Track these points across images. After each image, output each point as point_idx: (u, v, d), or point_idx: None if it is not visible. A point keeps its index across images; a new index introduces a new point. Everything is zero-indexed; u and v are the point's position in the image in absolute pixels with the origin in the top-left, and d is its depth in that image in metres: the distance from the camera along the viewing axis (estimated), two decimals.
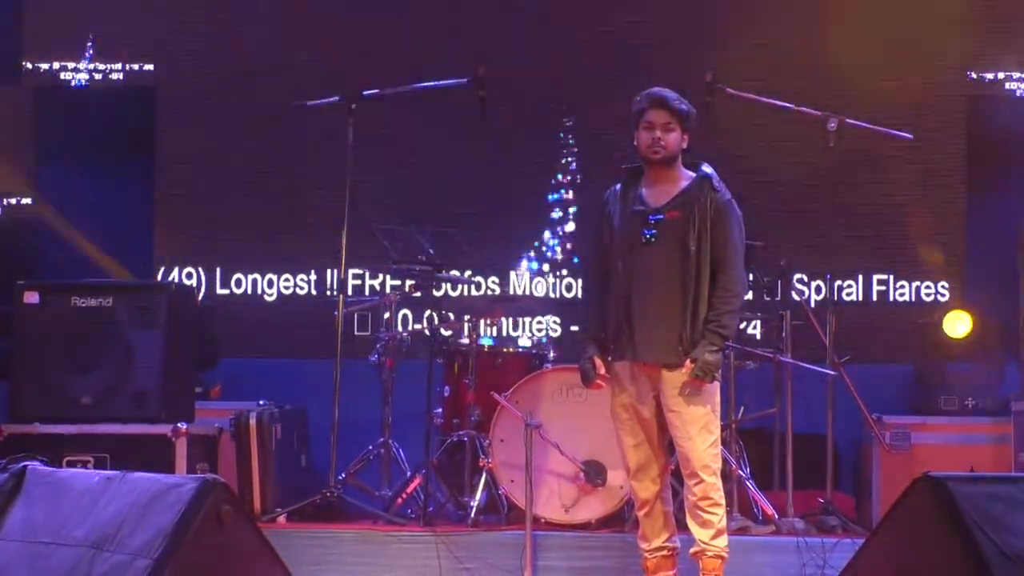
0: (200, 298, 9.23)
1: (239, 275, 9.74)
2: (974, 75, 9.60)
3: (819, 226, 8.57)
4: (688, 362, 6.24)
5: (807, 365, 7.85)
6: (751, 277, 7.45)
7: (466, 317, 8.14)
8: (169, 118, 9.85)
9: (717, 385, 6.39)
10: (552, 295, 9.59)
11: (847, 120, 7.78)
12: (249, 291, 9.75)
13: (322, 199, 9.26)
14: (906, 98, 9.18)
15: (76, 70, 9.80)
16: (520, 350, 8.19)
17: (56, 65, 9.79)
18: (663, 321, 6.06)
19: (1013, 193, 8.02)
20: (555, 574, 7.02)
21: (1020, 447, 7.26)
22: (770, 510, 7.54)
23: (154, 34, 9.88)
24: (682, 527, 6.57)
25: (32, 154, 9.78)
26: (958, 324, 8.69)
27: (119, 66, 9.84)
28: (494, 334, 8.48)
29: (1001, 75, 9.60)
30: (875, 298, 9.22)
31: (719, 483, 6.43)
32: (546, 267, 9.50)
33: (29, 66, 9.78)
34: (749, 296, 7.85)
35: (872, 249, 9.31)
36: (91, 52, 9.76)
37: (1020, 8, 9.59)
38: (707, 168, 6.46)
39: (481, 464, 7.50)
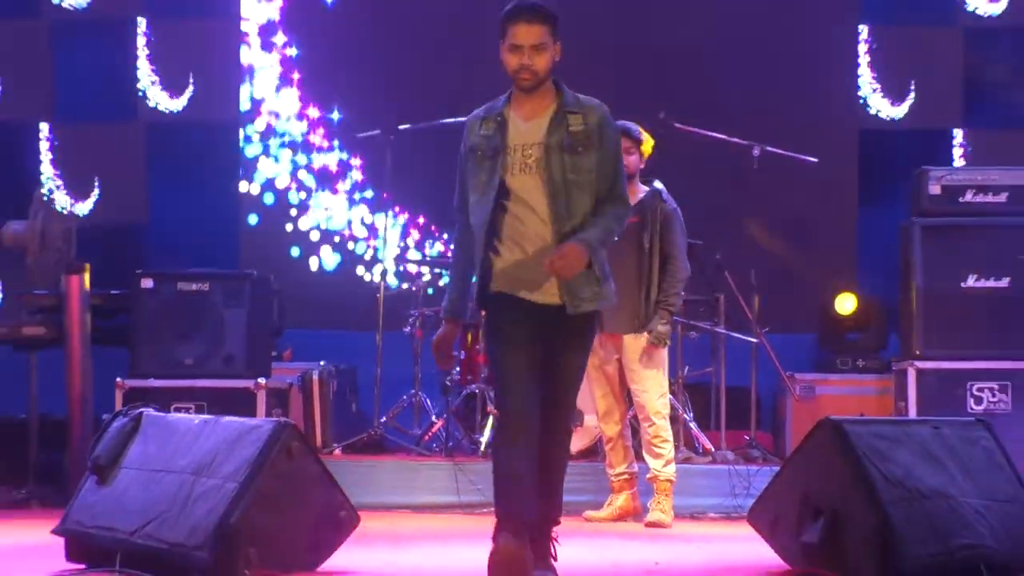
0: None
1: (306, 268, 9.73)
2: (861, 118, 9.60)
3: (745, 229, 8.59)
4: (646, 333, 6.29)
5: (736, 335, 7.87)
6: (692, 267, 7.46)
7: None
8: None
9: (665, 351, 6.44)
10: None
11: (767, 147, 7.79)
12: (315, 279, 9.73)
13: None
14: (812, 129, 9.14)
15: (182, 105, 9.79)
16: None
17: (165, 103, 9.75)
18: (624, 301, 6.04)
19: (897, 203, 8.00)
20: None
21: (899, 397, 7.27)
22: (708, 445, 7.56)
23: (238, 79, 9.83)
24: (640, 458, 6.61)
25: (145, 176, 9.75)
26: (846, 303, 8.76)
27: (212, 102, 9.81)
28: None
29: (888, 113, 9.60)
30: (789, 284, 9.18)
31: (668, 425, 6.48)
32: None
33: (144, 102, 9.74)
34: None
35: (787, 246, 9.30)
36: (193, 91, 9.75)
37: (901, 52, 9.59)
38: (658, 184, 6.51)
39: (489, 410, 7.51)
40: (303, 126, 9.81)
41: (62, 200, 9.56)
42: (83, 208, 9.62)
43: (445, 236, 9.20)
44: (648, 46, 9.40)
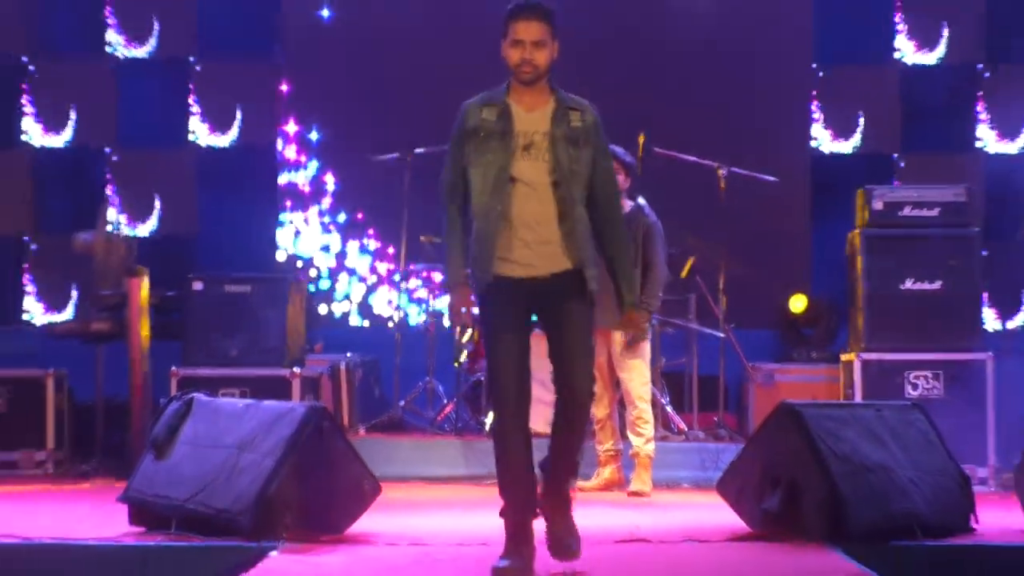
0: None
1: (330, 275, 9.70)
2: (813, 144, 9.61)
3: (713, 239, 8.57)
4: None
5: (707, 330, 7.88)
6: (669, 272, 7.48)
7: None
8: (283, 168, 9.75)
9: (648, 343, 6.44)
10: None
11: (733, 168, 7.81)
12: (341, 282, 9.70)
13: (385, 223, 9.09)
14: (773, 154, 9.13)
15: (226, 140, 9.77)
16: None
17: (207, 138, 9.73)
18: (612, 301, 6.03)
19: (845, 218, 8.00)
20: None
21: (846, 384, 7.28)
22: (682, 425, 7.57)
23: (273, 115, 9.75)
24: (624, 437, 6.61)
25: (195, 194, 9.75)
26: (797, 303, 8.77)
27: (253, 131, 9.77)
28: None
29: (832, 148, 9.61)
30: (752, 287, 9.14)
31: (649, 408, 6.49)
32: None
33: (193, 137, 9.74)
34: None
35: (751, 254, 9.27)
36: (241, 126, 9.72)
37: (848, 87, 9.59)
38: (641, 200, 6.51)
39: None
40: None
41: (122, 216, 9.56)
42: (146, 228, 9.57)
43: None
44: (632, 80, 9.37)
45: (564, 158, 4.05)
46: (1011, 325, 9.31)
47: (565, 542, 4.19)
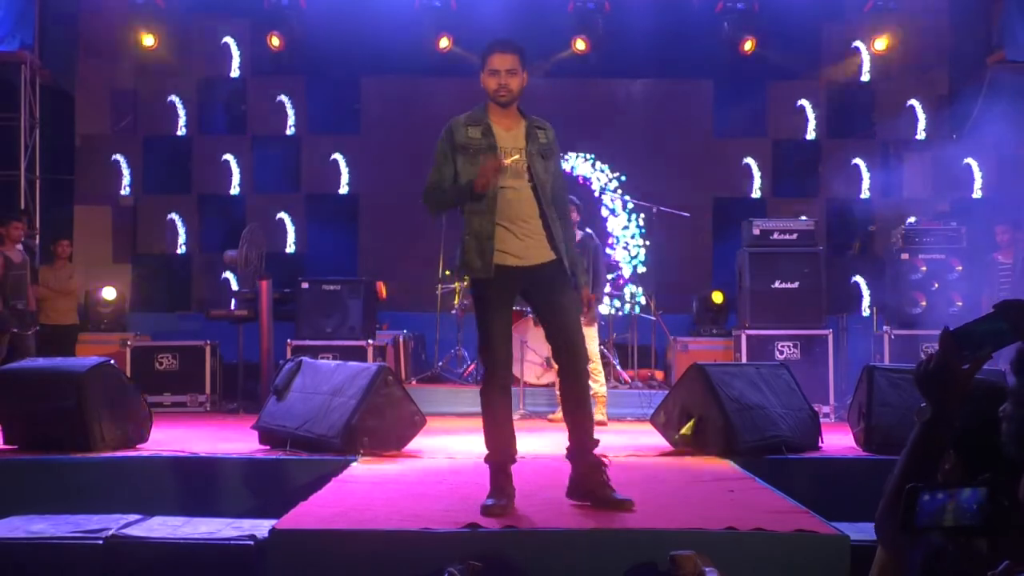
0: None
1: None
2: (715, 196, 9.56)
3: (646, 256, 8.52)
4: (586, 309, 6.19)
5: (643, 315, 7.84)
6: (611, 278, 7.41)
7: None
8: (366, 214, 9.57)
9: (595, 321, 6.37)
10: None
11: (661, 208, 7.78)
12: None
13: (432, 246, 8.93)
14: (689, 198, 9.06)
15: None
16: (521, 308, 8.10)
17: (313, 186, 9.65)
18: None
19: (735, 239, 7.96)
20: (538, 407, 7.01)
21: (736, 351, 7.23)
22: (627, 378, 7.54)
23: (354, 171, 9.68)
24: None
25: (305, 224, 9.67)
26: (718, 296, 8.67)
27: (342, 186, 9.64)
28: None
29: (728, 195, 9.55)
30: (672, 286, 9.08)
31: (599, 364, 6.46)
32: None
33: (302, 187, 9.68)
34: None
35: (672, 264, 9.22)
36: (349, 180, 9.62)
37: (740, 154, 9.51)
38: (589, 230, 6.43)
39: None
40: None
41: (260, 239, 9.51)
42: (280, 248, 9.42)
43: None
44: (595, 151, 9.34)
45: (539, 169, 3.39)
46: (846, 313, 9.27)
47: (585, 487, 3.42)
